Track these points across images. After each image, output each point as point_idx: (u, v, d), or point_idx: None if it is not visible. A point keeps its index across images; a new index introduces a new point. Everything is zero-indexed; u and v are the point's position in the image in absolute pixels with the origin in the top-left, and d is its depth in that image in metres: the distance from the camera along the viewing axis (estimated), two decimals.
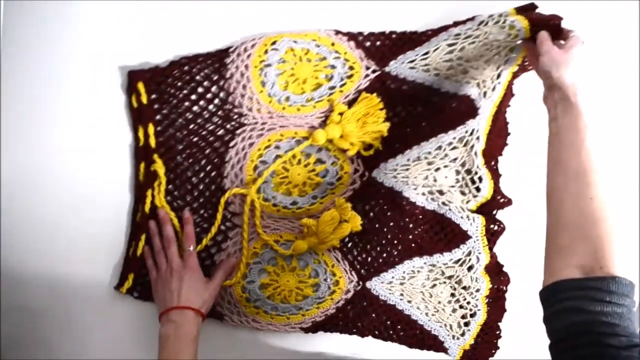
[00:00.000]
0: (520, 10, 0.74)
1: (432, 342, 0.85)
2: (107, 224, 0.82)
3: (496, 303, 0.84)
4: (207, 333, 0.78)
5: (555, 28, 0.70)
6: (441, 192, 0.81)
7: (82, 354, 0.83)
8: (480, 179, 0.80)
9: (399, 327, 0.84)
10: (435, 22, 0.79)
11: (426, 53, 0.77)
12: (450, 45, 0.76)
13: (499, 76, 0.78)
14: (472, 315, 0.84)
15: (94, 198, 0.81)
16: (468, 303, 0.83)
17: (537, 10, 0.74)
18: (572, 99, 0.62)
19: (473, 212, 0.81)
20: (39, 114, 0.81)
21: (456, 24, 0.78)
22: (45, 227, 0.81)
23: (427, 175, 0.81)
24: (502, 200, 0.82)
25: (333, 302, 0.83)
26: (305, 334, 0.84)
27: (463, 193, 0.81)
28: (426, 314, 0.84)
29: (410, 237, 0.82)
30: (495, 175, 0.82)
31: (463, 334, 0.84)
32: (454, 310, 0.84)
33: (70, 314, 0.83)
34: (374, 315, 0.84)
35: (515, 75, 0.79)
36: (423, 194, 0.81)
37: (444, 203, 0.81)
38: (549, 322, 0.57)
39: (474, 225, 0.81)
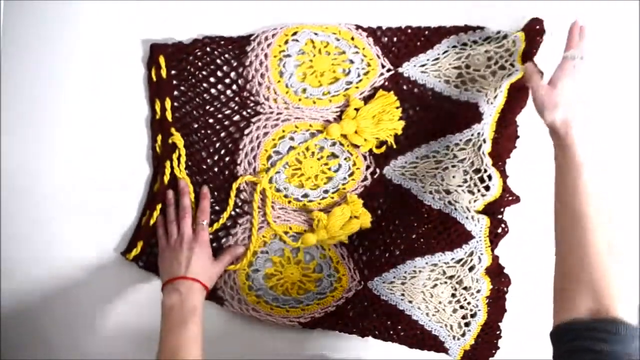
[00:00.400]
0: (526, 28, 0.77)
1: (433, 343, 0.84)
2: (120, 199, 0.82)
3: (496, 303, 0.84)
4: (208, 332, 0.77)
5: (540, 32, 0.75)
6: (448, 192, 0.82)
7: (83, 354, 0.83)
8: (489, 177, 0.80)
9: (399, 327, 0.84)
10: (448, 20, 0.82)
11: (436, 59, 0.80)
12: (457, 52, 0.79)
13: (500, 86, 0.79)
14: (472, 316, 0.84)
15: (109, 171, 0.82)
16: (469, 303, 0.83)
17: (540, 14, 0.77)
18: (567, 141, 0.64)
19: (479, 212, 0.82)
20: (42, 97, 0.81)
21: (466, 28, 0.80)
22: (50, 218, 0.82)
23: (435, 174, 0.81)
24: (510, 198, 0.82)
25: (334, 299, 0.82)
26: (303, 329, 0.83)
27: (471, 192, 0.81)
28: (427, 314, 0.84)
29: (414, 236, 0.82)
30: (504, 176, 0.83)
31: (463, 334, 0.84)
32: (455, 311, 0.84)
33: (70, 312, 0.83)
34: (374, 315, 0.84)
35: (516, 84, 0.80)
36: (430, 192, 0.82)
37: (450, 202, 0.81)
38: None
39: (478, 226, 0.81)
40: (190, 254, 0.74)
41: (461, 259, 0.82)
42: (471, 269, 0.82)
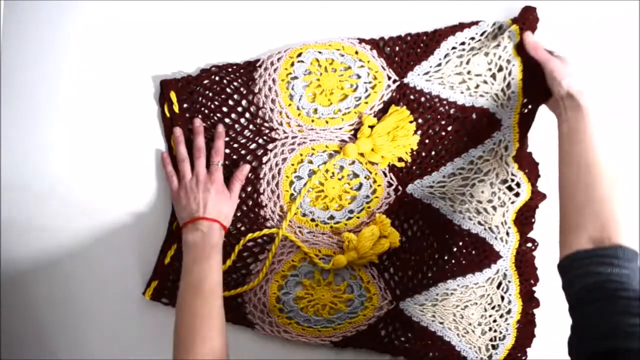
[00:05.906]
0: (517, 19, 0.78)
1: None
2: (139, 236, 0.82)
3: (526, 328, 0.84)
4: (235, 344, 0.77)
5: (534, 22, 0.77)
6: (478, 212, 0.81)
7: (83, 354, 0.83)
8: (518, 184, 0.81)
9: (430, 349, 0.84)
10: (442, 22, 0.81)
11: (439, 65, 0.80)
12: (458, 56, 0.79)
13: (508, 86, 0.79)
14: (501, 339, 0.84)
15: (123, 203, 0.82)
16: (498, 326, 0.84)
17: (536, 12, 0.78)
18: (582, 104, 0.70)
19: (512, 221, 0.82)
20: (39, 113, 0.81)
21: (462, 26, 0.80)
22: (53, 230, 0.82)
23: (464, 191, 0.81)
24: (538, 198, 0.82)
25: (365, 318, 0.82)
26: (335, 347, 0.83)
27: (502, 204, 0.81)
28: (457, 334, 0.84)
29: (446, 257, 0.82)
30: (534, 175, 0.82)
31: (490, 357, 0.84)
32: (484, 333, 0.84)
33: (71, 312, 0.83)
34: (409, 335, 0.83)
35: (525, 82, 0.80)
36: (460, 211, 0.81)
37: (479, 222, 0.81)
38: (567, 288, 0.64)
39: (507, 247, 0.82)
40: (206, 195, 0.74)
41: (489, 278, 0.83)
42: (499, 285, 0.83)
